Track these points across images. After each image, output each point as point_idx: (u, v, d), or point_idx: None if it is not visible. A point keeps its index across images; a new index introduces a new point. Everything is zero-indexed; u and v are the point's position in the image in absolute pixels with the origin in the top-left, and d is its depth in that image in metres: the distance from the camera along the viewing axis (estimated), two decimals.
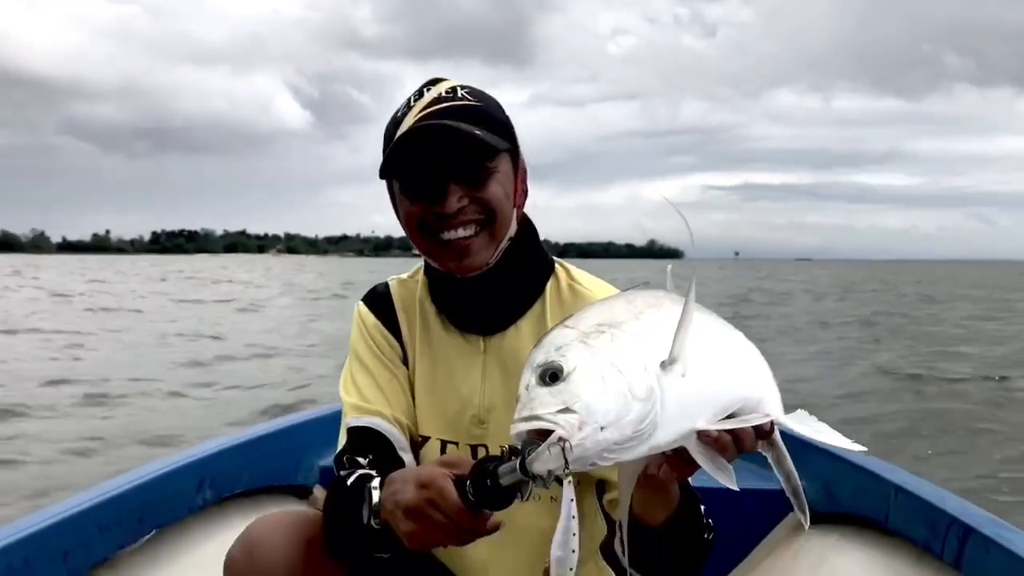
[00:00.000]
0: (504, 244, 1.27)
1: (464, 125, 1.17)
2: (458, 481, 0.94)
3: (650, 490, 1.04)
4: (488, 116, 1.23)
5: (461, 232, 1.21)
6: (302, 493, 2.30)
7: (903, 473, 1.84)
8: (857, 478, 1.95)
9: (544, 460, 0.82)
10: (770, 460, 1.06)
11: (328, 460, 2.28)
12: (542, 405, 0.84)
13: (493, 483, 0.88)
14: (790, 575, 2.01)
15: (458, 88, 1.24)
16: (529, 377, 0.88)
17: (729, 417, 0.91)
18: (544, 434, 0.83)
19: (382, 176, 1.23)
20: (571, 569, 0.85)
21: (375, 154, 1.26)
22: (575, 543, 0.85)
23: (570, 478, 0.84)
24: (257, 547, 1.20)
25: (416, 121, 1.20)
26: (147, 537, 1.73)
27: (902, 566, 1.75)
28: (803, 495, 1.07)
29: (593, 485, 1.35)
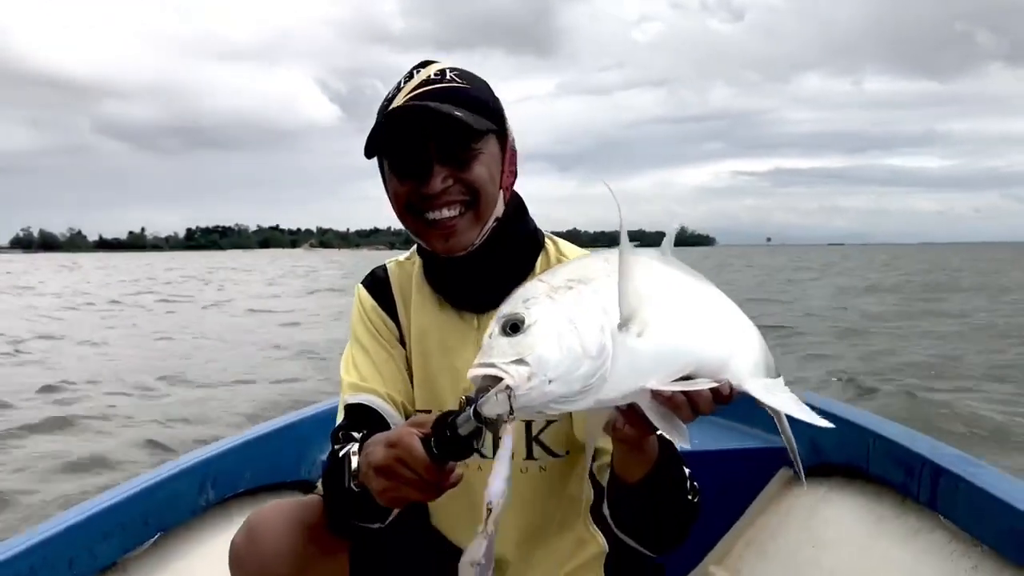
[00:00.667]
0: (491, 224, 1.29)
1: (446, 107, 1.19)
2: (424, 439, 0.98)
3: (625, 447, 1.08)
4: (474, 98, 1.24)
5: (446, 212, 1.23)
6: (306, 488, 2.33)
7: (879, 420, 1.88)
8: (838, 429, 2.00)
9: (492, 405, 0.87)
10: (777, 426, 1.10)
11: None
12: (499, 354, 0.89)
13: (452, 433, 0.93)
14: (784, 529, 2.06)
15: (447, 70, 1.26)
16: (494, 326, 0.92)
17: (686, 378, 0.92)
18: (498, 381, 0.87)
19: (367, 155, 1.25)
20: (503, 502, 0.89)
21: None
22: (509, 480, 0.90)
23: (510, 425, 0.88)
24: (259, 533, 1.25)
25: (405, 102, 1.22)
26: (152, 540, 1.77)
27: (885, 511, 1.80)
28: (797, 457, 1.12)
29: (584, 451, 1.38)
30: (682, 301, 0.97)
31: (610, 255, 0.95)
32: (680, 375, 0.92)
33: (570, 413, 1.28)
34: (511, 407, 0.86)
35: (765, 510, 2.17)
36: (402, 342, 1.40)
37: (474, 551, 0.88)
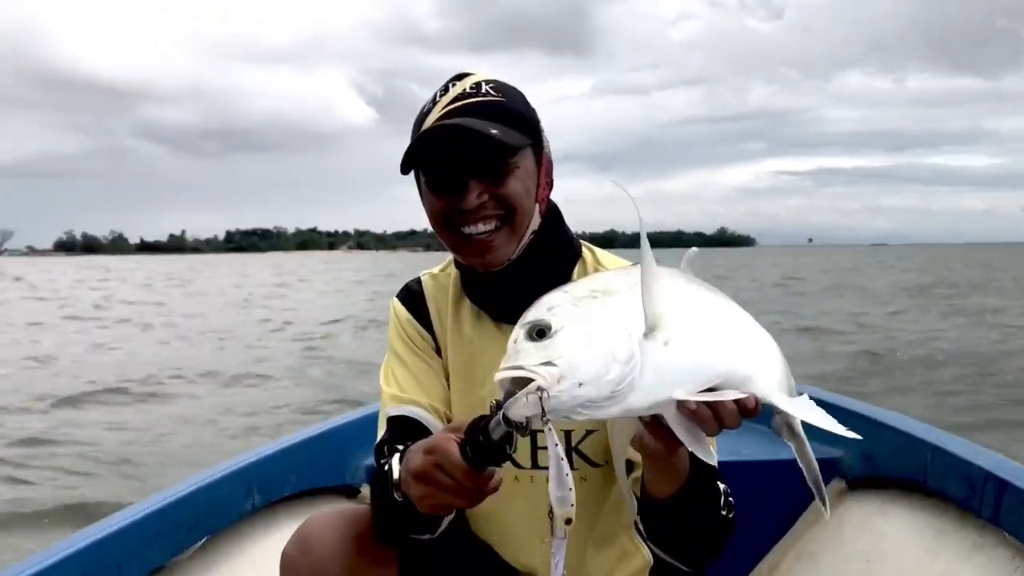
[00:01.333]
0: (528, 238, 1.29)
1: (480, 123, 1.19)
2: (461, 444, 0.98)
3: (654, 463, 1.06)
4: (510, 112, 1.24)
5: (481, 227, 1.23)
6: (350, 493, 2.35)
7: (938, 432, 1.82)
8: (894, 441, 1.94)
9: (520, 406, 0.86)
10: (793, 450, 1.09)
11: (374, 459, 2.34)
12: (527, 357, 0.88)
13: (485, 438, 0.93)
14: (837, 542, 2.00)
15: (483, 83, 1.26)
16: (518, 332, 0.92)
17: (711, 391, 0.92)
18: (526, 385, 0.87)
19: (403, 171, 1.26)
20: (572, 505, 0.90)
21: None
22: (570, 481, 0.89)
23: (550, 425, 0.87)
24: (311, 543, 1.26)
25: (440, 117, 1.22)
26: (199, 544, 1.79)
27: (944, 525, 1.74)
28: (823, 486, 1.11)
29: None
30: (705, 315, 0.97)
31: (632, 272, 0.95)
32: (706, 387, 0.91)
33: (605, 424, 1.29)
34: (543, 408, 0.85)
35: (816, 522, 2.12)
36: (438, 352, 1.40)
37: (554, 554, 0.91)
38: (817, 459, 2.20)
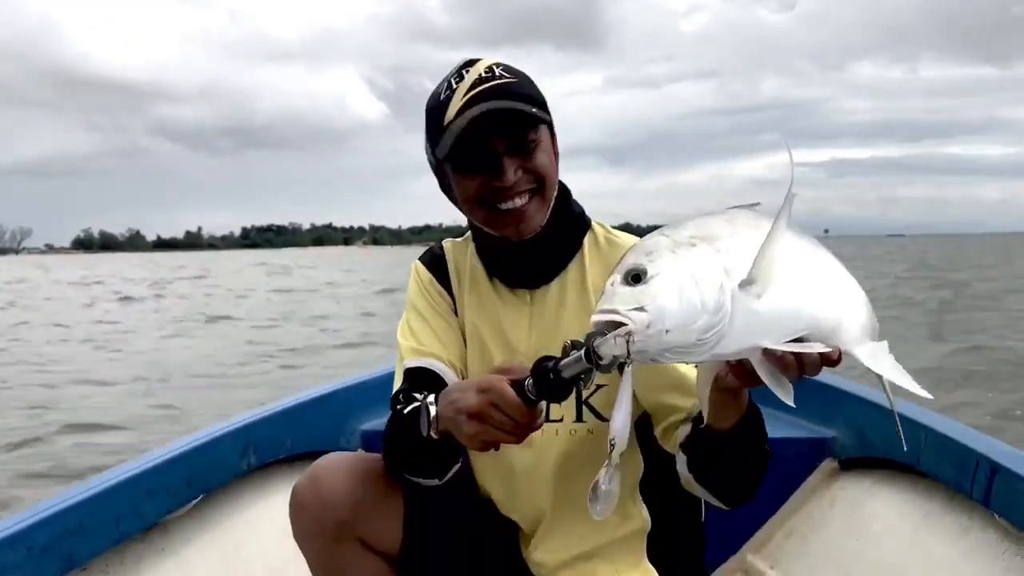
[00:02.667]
0: (551, 206, 1.35)
1: (516, 104, 1.26)
2: (514, 383, 1.07)
3: (724, 396, 1.09)
4: (525, 91, 1.30)
5: (518, 201, 1.30)
6: None
7: (932, 415, 1.83)
8: (887, 422, 1.95)
9: (609, 346, 0.90)
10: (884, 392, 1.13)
11: (370, 424, 2.35)
12: (621, 301, 0.91)
13: (556, 376, 1.01)
14: (828, 521, 2.02)
15: (494, 67, 1.31)
16: (616, 276, 0.94)
17: (798, 340, 0.94)
18: (616, 327, 0.91)
19: (445, 160, 1.30)
20: (626, 439, 0.95)
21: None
22: (629, 418, 0.96)
23: (630, 368, 0.93)
24: (321, 480, 1.32)
25: (465, 104, 1.27)
26: (195, 502, 1.81)
27: (934, 507, 1.75)
28: (898, 425, 1.18)
29: (632, 423, 1.38)
30: (801, 266, 0.98)
31: (734, 216, 0.98)
32: (793, 337, 0.94)
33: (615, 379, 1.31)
34: (628, 351, 0.89)
35: (807, 501, 2.14)
36: (456, 314, 1.46)
37: (604, 479, 0.95)
38: (809, 439, 2.23)
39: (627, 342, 0.89)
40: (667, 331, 0.89)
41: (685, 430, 1.22)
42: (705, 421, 1.13)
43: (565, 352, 1.00)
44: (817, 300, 0.97)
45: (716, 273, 0.91)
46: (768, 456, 1.20)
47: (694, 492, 1.25)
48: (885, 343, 1.05)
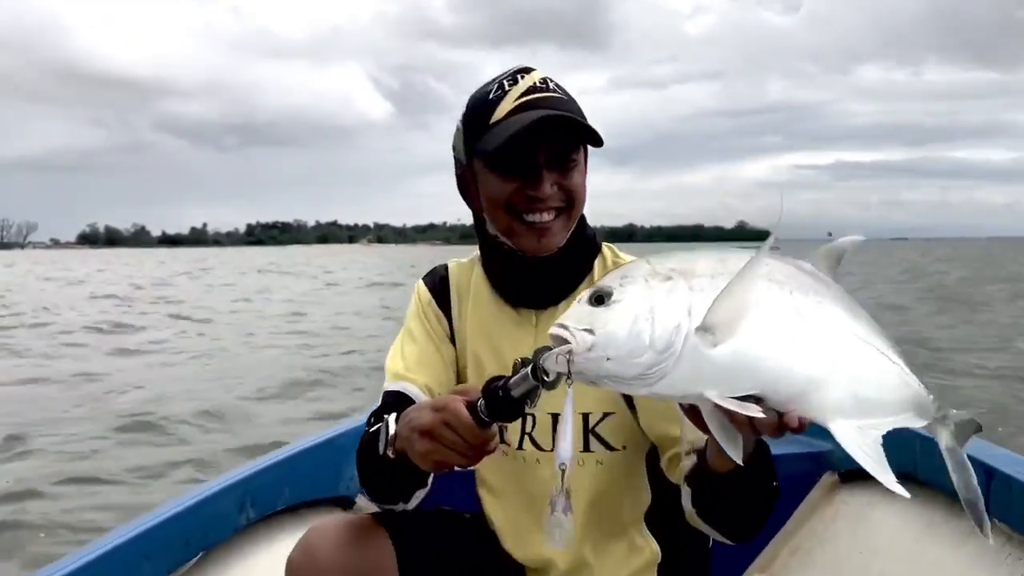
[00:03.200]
0: (573, 228, 1.34)
1: (568, 114, 1.25)
2: (469, 405, 1.04)
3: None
4: (578, 109, 1.30)
5: (545, 216, 1.29)
6: (345, 504, 2.34)
7: None
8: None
9: (551, 362, 0.91)
10: (949, 466, 1.06)
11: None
12: (576, 319, 0.92)
13: (505, 394, 1.00)
14: (832, 536, 2.01)
15: (548, 80, 1.31)
16: (585, 293, 0.95)
17: (753, 399, 0.89)
18: (564, 343, 0.91)
19: (482, 156, 1.28)
20: (568, 459, 0.95)
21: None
22: (574, 437, 0.99)
23: (570, 388, 0.93)
24: (315, 549, 1.29)
25: (517, 107, 1.26)
26: (193, 560, 1.78)
27: (935, 515, 1.75)
28: (981, 509, 1.04)
29: (643, 453, 1.38)
30: (783, 319, 0.91)
31: (727, 256, 0.93)
32: (743, 394, 0.89)
33: (635, 408, 1.33)
34: (568, 370, 0.89)
35: (810, 516, 2.13)
36: (452, 340, 1.44)
37: (558, 507, 0.96)
38: (808, 452, 2.22)
39: (568, 360, 0.89)
40: (608, 359, 0.89)
41: (690, 463, 1.20)
42: (708, 459, 1.10)
43: (515, 369, 0.99)
44: (784, 359, 0.90)
45: (677, 312, 0.88)
46: (776, 494, 1.14)
47: (698, 527, 1.23)
48: (876, 433, 0.95)
